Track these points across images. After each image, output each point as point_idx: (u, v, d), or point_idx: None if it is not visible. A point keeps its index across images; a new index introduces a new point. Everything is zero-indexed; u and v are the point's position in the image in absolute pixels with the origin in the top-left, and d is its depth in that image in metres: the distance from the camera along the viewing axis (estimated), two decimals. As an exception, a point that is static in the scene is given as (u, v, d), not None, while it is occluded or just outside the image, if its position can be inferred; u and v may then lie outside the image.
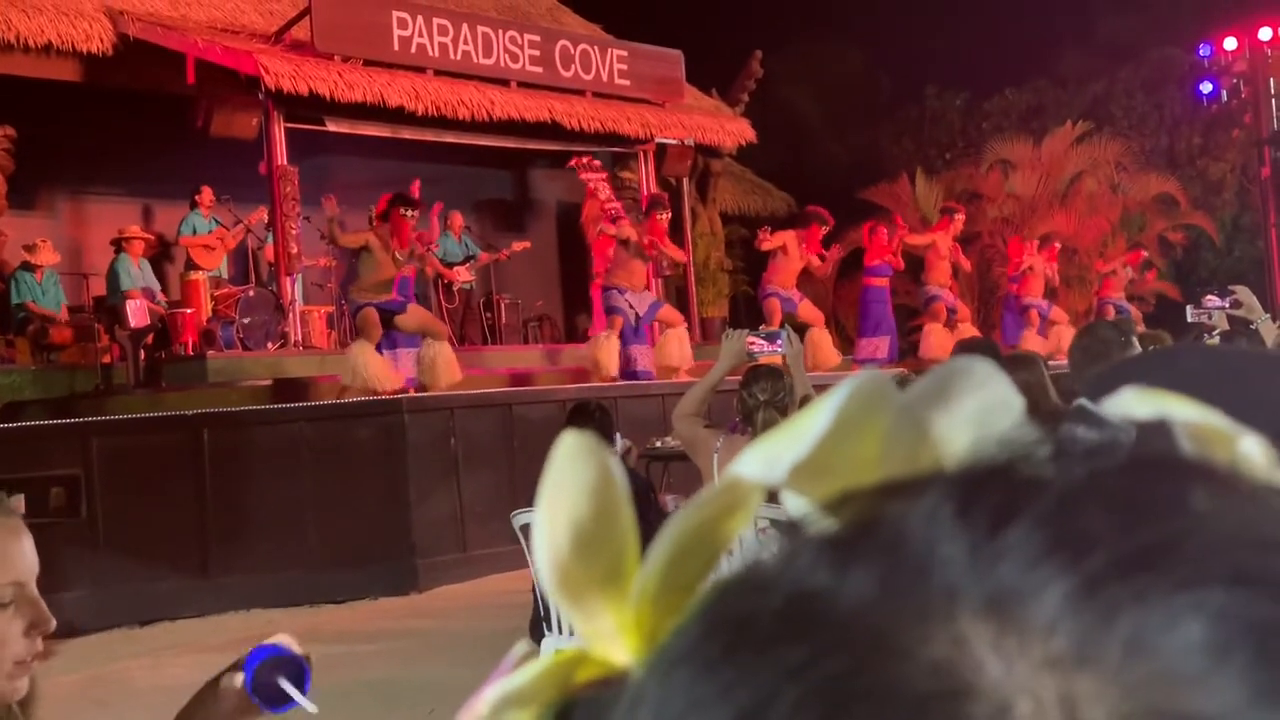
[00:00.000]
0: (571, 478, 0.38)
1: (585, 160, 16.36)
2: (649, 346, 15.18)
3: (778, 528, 0.37)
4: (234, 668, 2.14)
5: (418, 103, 14.98)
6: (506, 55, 16.22)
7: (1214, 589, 0.32)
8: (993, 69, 27.31)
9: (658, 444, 10.66)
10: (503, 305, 17.78)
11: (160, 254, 16.19)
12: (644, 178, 18.01)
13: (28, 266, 14.33)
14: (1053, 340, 17.80)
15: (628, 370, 14.70)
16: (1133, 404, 0.39)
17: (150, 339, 14.02)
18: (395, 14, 15.32)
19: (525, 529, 6.92)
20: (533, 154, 18.63)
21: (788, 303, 16.13)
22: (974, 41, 28.99)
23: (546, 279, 19.25)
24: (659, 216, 15.34)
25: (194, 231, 15.61)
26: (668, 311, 15.67)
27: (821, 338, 16.41)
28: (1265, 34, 22.88)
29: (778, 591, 0.35)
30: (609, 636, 0.38)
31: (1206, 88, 24.45)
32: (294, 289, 14.65)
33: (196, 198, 15.61)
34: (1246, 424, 0.39)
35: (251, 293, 14.68)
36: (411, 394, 12.52)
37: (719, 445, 5.98)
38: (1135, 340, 5.22)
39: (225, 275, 15.76)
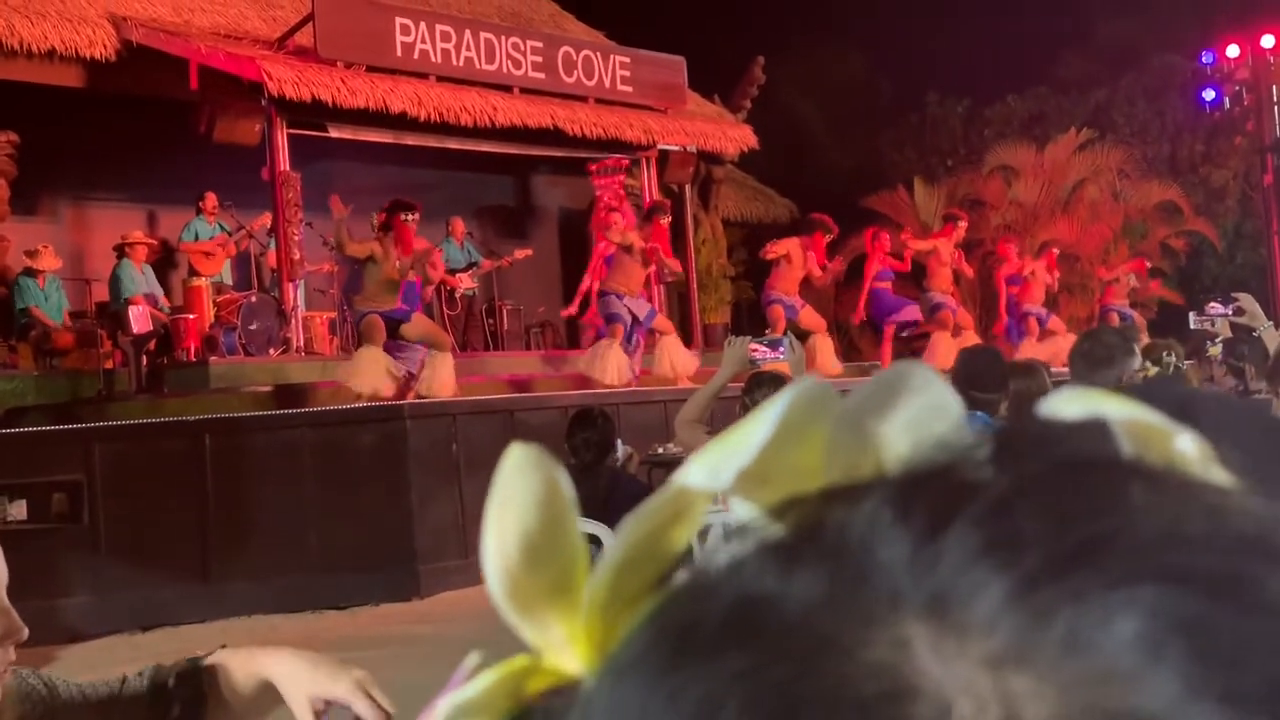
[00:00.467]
0: (519, 489, 0.39)
1: (610, 162, 16.41)
2: (640, 353, 15.19)
3: (724, 534, 0.38)
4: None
5: (420, 109, 15.00)
6: (509, 61, 16.23)
7: (1147, 586, 0.33)
8: (994, 76, 27.32)
9: (660, 450, 10.65)
10: (505, 311, 17.79)
11: (163, 259, 16.20)
12: (646, 184, 18.01)
13: (30, 272, 14.35)
14: (1050, 348, 17.79)
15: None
16: (1069, 404, 0.39)
17: (152, 345, 14.03)
18: (398, 20, 15.34)
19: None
20: (535, 160, 18.64)
21: (790, 309, 16.14)
22: (975, 48, 29.01)
23: (548, 285, 19.24)
24: (660, 221, 15.33)
25: (196, 237, 15.62)
26: (661, 320, 15.68)
27: (823, 344, 16.40)
28: (1268, 41, 22.88)
29: (723, 598, 0.35)
30: (560, 646, 0.38)
31: (1209, 95, 24.42)
32: (296, 294, 14.66)
33: (200, 203, 15.64)
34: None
35: (254, 298, 14.68)
36: (413, 400, 12.52)
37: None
38: (1137, 348, 5.22)
39: (228, 281, 15.78)
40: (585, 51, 17.32)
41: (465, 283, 17.08)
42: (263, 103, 14.01)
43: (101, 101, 14.55)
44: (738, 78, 21.22)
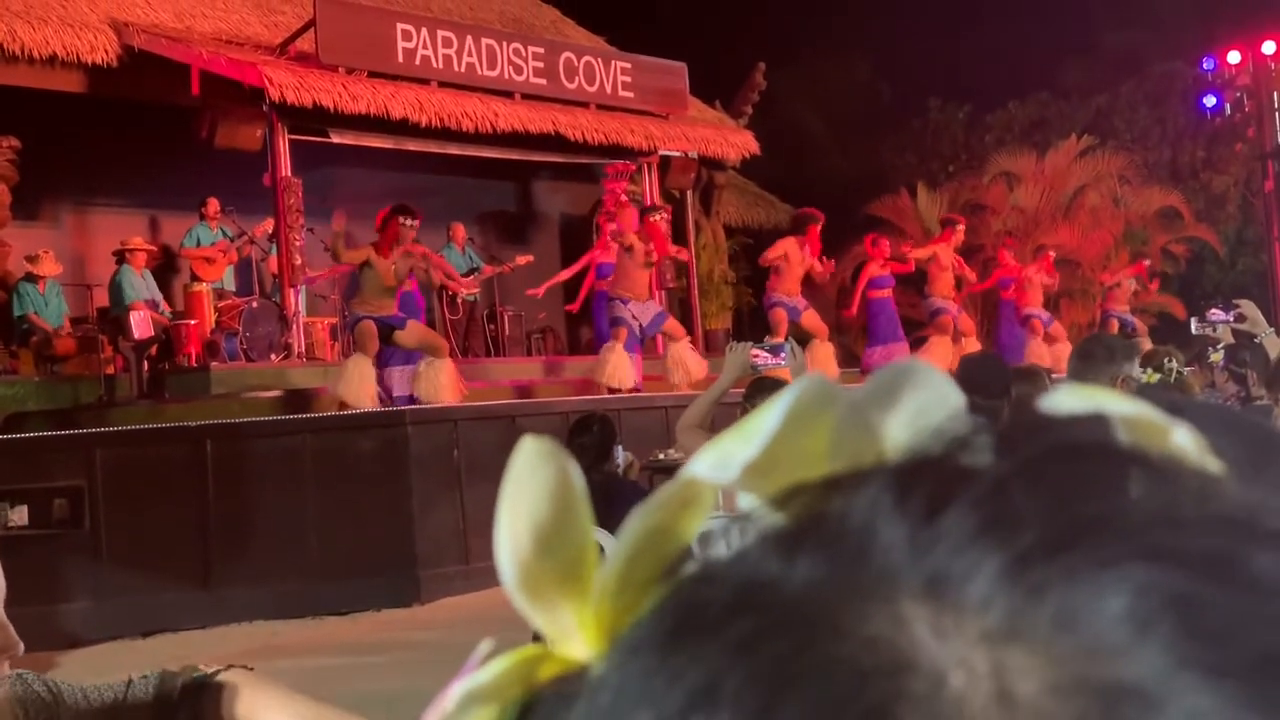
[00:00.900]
0: (531, 479, 0.40)
1: (620, 167, 16.44)
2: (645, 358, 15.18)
3: (729, 525, 0.39)
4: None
5: (422, 114, 15.01)
6: (510, 67, 16.25)
7: (1137, 565, 0.34)
8: (996, 82, 27.33)
9: (661, 456, 10.66)
10: (506, 317, 17.80)
11: (165, 265, 16.22)
12: (647, 190, 18.03)
13: (31, 278, 14.36)
14: (1057, 351, 17.77)
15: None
16: (1068, 398, 0.40)
17: (154, 350, 14.03)
18: (400, 26, 15.37)
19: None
20: (536, 166, 18.66)
21: (793, 310, 16.11)
22: (977, 54, 29.00)
23: (550, 291, 19.26)
24: (653, 219, 15.26)
25: (197, 243, 15.64)
26: (672, 324, 15.61)
27: (824, 350, 16.37)
28: (1269, 48, 22.88)
29: (728, 582, 0.37)
30: (570, 633, 0.39)
31: (1210, 101, 24.44)
32: (298, 300, 14.67)
33: (202, 209, 15.65)
34: None
35: (255, 304, 14.70)
36: (415, 406, 12.54)
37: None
38: (1136, 354, 5.23)
39: (230, 287, 15.79)
40: (586, 57, 17.34)
41: (467, 288, 17.09)
42: (264, 108, 14.03)
43: (103, 107, 14.57)
44: (739, 83, 21.25)
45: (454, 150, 16.12)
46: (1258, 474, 0.39)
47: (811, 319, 16.45)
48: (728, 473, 0.39)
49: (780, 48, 26.18)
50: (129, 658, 9.86)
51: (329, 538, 11.27)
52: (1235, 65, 23.34)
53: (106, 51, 14.45)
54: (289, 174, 14.37)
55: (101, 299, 15.05)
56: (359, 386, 12.45)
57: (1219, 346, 7.93)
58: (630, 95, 17.44)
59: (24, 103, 13.85)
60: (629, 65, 17.62)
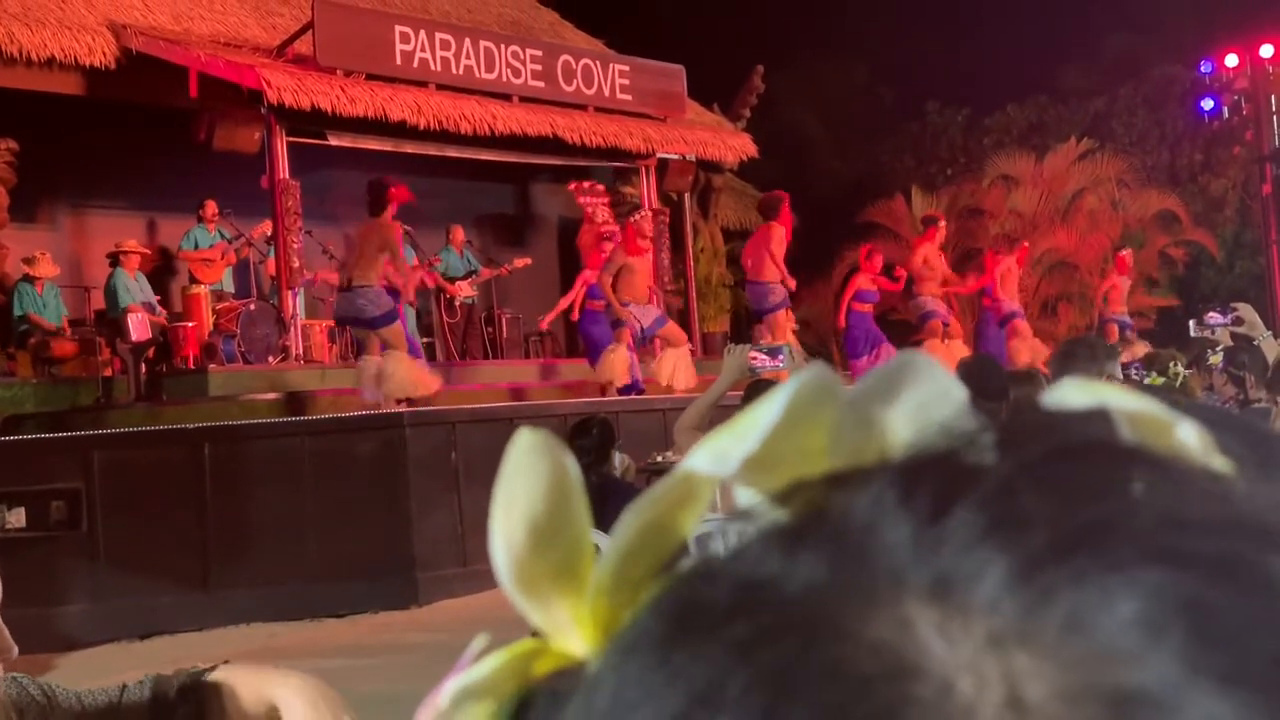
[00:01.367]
0: (527, 473, 0.39)
1: (586, 185, 16.35)
2: (648, 358, 15.17)
3: (729, 521, 0.38)
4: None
5: (420, 117, 15.01)
6: (508, 70, 16.25)
7: (1148, 568, 0.33)
8: (994, 85, 27.36)
9: (659, 458, 10.66)
10: (504, 320, 17.79)
11: (163, 267, 16.22)
12: (645, 193, 18.02)
13: (28, 279, 14.34)
14: (1029, 350, 17.70)
15: (634, 382, 14.67)
16: (1072, 394, 0.40)
17: (151, 353, 14.01)
18: (398, 28, 15.36)
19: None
20: (534, 169, 18.65)
21: (784, 300, 15.96)
22: (975, 58, 29.05)
23: (548, 294, 19.24)
24: (631, 220, 15.25)
25: (195, 245, 15.63)
26: (671, 329, 15.57)
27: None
28: (1266, 51, 22.90)
29: (728, 580, 0.36)
30: (566, 629, 0.39)
31: (1208, 104, 24.47)
32: (295, 303, 14.66)
33: (200, 211, 15.64)
34: None
35: (253, 306, 14.69)
36: (412, 408, 12.52)
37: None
38: (1117, 355, 5.24)
39: (228, 289, 15.78)
40: (585, 60, 17.34)
41: (465, 291, 17.09)
42: (262, 111, 14.02)
43: (101, 109, 14.56)
44: (737, 86, 21.23)
45: (452, 153, 16.11)
46: (1265, 474, 0.38)
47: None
48: (727, 467, 0.38)
49: (779, 50, 26.19)
50: (127, 660, 9.85)
51: (327, 540, 11.26)
52: (1233, 69, 23.38)
53: (104, 54, 14.44)
54: (287, 176, 14.36)
55: (99, 301, 15.04)
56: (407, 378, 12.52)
57: (1217, 349, 7.94)
58: (628, 98, 17.44)
59: (22, 105, 13.85)
60: (627, 68, 17.62)
